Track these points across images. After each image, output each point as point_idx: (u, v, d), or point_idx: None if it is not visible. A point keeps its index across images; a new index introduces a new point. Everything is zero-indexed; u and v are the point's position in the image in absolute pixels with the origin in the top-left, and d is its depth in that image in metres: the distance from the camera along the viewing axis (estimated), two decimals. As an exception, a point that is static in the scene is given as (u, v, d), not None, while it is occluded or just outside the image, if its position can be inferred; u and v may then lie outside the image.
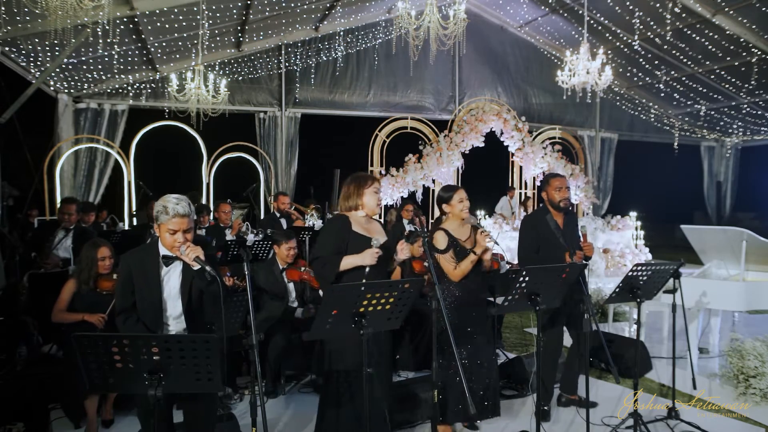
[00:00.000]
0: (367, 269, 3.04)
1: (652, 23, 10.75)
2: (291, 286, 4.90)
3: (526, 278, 3.06)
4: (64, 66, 8.93)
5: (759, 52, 10.58)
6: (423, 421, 3.98)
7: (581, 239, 4.01)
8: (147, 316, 2.73)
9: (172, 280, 2.77)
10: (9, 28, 7.01)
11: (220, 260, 5.59)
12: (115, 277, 4.04)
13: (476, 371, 3.64)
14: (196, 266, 2.64)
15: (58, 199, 8.84)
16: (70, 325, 3.94)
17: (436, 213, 11.42)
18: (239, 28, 9.91)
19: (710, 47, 10.88)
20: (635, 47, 11.76)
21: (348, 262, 3.10)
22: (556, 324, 4.17)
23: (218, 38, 10.07)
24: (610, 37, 11.82)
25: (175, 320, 2.79)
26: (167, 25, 8.66)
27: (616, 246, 10.58)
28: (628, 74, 13.32)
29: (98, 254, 4.02)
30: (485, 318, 3.81)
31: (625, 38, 11.69)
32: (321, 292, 4.79)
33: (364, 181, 3.31)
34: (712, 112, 13.96)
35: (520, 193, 12.36)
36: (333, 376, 3.16)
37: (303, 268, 4.87)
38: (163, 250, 2.74)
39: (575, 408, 4.24)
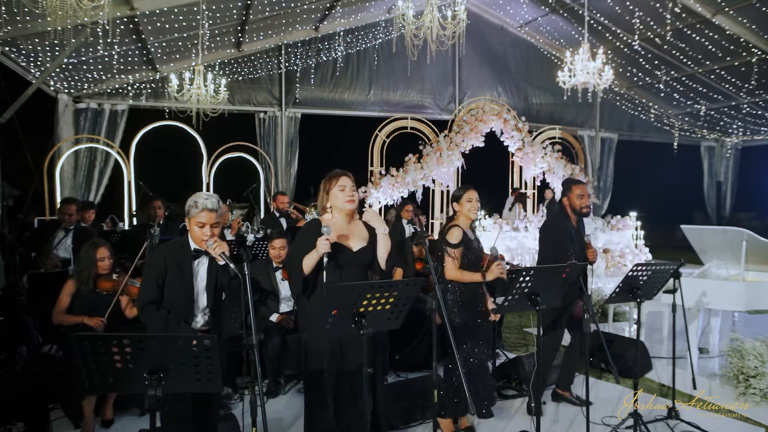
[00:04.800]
0: (325, 260, 2.89)
1: (652, 23, 10.75)
2: (286, 284, 4.90)
3: (526, 278, 3.08)
4: (64, 66, 8.92)
5: (759, 52, 10.58)
6: (422, 421, 3.98)
7: (586, 245, 4.17)
8: (179, 307, 2.86)
9: (200, 273, 2.92)
10: (9, 28, 7.01)
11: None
12: (115, 277, 4.04)
13: (470, 373, 3.61)
14: (222, 261, 2.77)
15: (58, 199, 8.84)
16: (70, 326, 3.94)
17: (437, 213, 11.48)
18: (239, 28, 9.90)
19: (710, 47, 10.87)
20: (635, 47, 11.76)
21: (308, 261, 2.97)
22: (558, 326, 4.20)
23: (218, 38, 10.06)
24: (610, 37, 11.82)
25: (201, 312, 2.94)
26: (167, 25, 8.65)
27: (616, 246, 10.59)
28: (628, 74, 13.32)
29: (97, 254, 4.01)
30: (485, 322, 3.79)
31: (625, 38, 11.69)
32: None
33: (329, 180, 3.15)
34: (712, 112, 13.96)
35: (520, 194, 12.35)
36: (311, 377, 3.15)
37: None
38: (192, 244, 2.90)
39: (575, 407, 4.24)
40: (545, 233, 4.34)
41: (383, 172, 11.01)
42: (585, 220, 11.04)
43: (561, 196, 4.37)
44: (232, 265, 2.71)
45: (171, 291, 2.85)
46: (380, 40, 11.97)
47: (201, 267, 2.93)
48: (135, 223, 9.25)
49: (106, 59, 9.21)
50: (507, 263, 6.76)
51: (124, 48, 9.03)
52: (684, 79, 12.57)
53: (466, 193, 3.76)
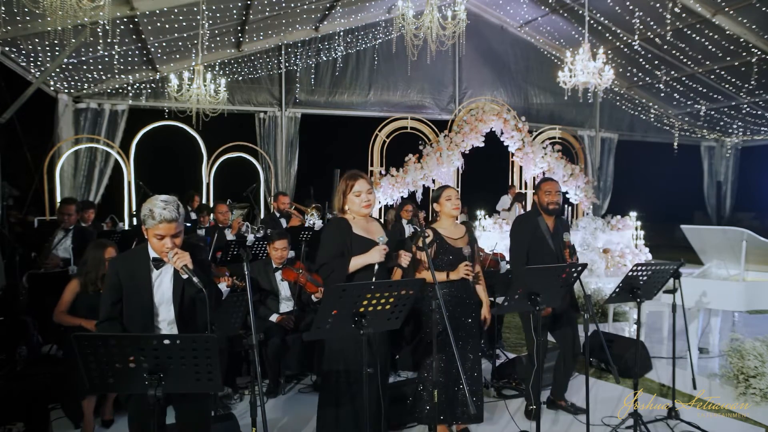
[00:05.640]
0: (376, 267, 3.00)
1: (652, 23, 10.75)
2: (285, 285, 4.91)
3: (526, 278, 3.08)
4: (64, 66, 8.93)
5: (759, 52, 10.58)
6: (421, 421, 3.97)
7: (565, 250, 3.97)
8: (136, 322, 2.61)
9: (164, 283, 2.66)
10: (9, 28, 7.02)
11: (220, 260, 5.59)
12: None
13: (456, 376, 3.53)
14: (184, 275, 2.55)
15: (58, 199, 8.84)
16: (70, 326, 3.94)
17: (437, 213, 11.46)
18: (239, 28, 9.91)
19: (710, 47, 10.88)
20: (635, 47, 11.76)
21: (357, 262, 3.05)
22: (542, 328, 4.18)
23: (218, 38, 10.07)
24: (610, 37, 11.82)
25: (168, 325, 2.68)
26: (167, 25, 8.66)
27: (616, 246, 10.58)
28: (628, 74, 13.32)
29: (105, 254, 4.01)
30: (472, 324, 3.73)
31: (625, 38, 11.69)
32: (314, 297, 4.81)
33: (345, 182, 3.19)
34: (712, 112, 13.96)
35: (519, 193, 12.33)
36: (329, 376, 3.16)
37: (300, 270, 4.87)
38: (152, 253, 2.63)
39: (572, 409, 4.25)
40: (512, 229, 4.29)
41: (383, 172, 11.01)
42: (585, 220, 11.01)
43: (535, 195, 4.32)
44: (195, 279, 2.48)
45: (127, 304, 2.61)
46: (380, 40, 11.97)
47: (164, 276, 2.65)
48: (135, 223, 9.25)
49: (106, 59, 9.22)
50: (507, 263, 6.76)
51: (124, 48, 9.04)
52: (684, 79, 12.57)
53: (444, 191, 3.76)
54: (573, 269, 3.22)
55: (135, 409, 2.64)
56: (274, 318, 4.72)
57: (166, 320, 2.68)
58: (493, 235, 9.49)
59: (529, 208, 12.11)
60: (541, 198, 4.11)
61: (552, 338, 4.31)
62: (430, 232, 3.71)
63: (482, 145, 11.26)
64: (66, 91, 9.91)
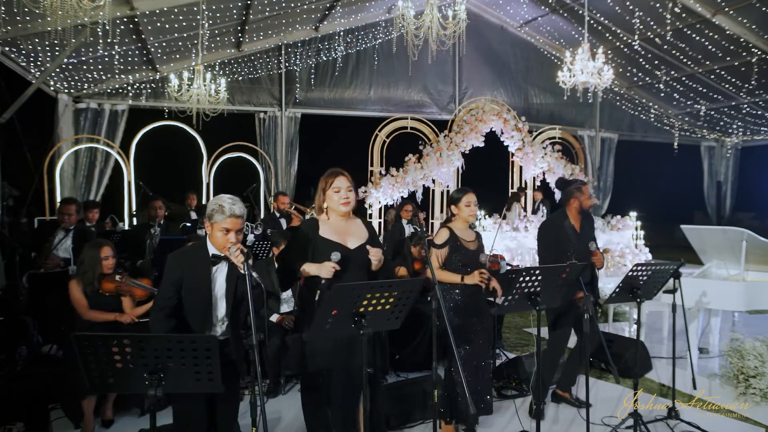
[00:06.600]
0: (323, 281, 2.91)
1: (652, 23, 10.75)
2: None
3: (526, 279, 3.08)
4: (64, 66, 8.92)
5: (759, 52, 10.58)
6: (423, 421, 3.98)
7: (592, 252, 4.16)
8: (196, 316, 2.72)
9: (219, 280, 2.77)
10: (9, 28, 7.01)
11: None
12: (117, 278, 4.02)
13: (472, 373, 3.66)
14: (243, 270, 2.61)
15: (58, 199, 8.83)
16: (71, 326, 3.92)
17: (437, 213, 11.48)
18: (239, 28, 9.90)
19: (710, 47, 10.87)
20: (635, 47, 11.76)
21: (307, 269, 3.00)
22: (564, 325, 4.21)
23: (218, 38, 10.06)
24: (610, 37, 11.82)
25: (221, 320, 2.78)
26: (167, 25, 8.65)
27: (616, 246, 10.58)
28: (628, 74, 13.32)
29: (101, 254, 3.98)
30: (485, 322, 3.81)
31: (625, 38, 11.69)
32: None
33: (325, 179, 3.12)
34: (712, 112, 13.96)
35: (515, 193, 12.32)
36: (307, 376, 3.17)
37: None
38: (212, 249, 2.73)
39: (575, 408, 4.24)
40: (543, 232, 4.34)
41: (383, 172, 11.00)
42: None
43: (567, 198, 4.28)
44: (255, 275, 2.55)
45: (188, 299, 2.70)
46: (380, 40, 11.96)
47: (219, 274, 2.76)
48: (135, 223, 9.25)
49: (106, 59, 9.21)
50: (507, 264, 6.77)
51: (124, 48, 9.03)
52: (684, 79, 12.57)
53: (465, 196, 3.77)
54: (574, 269, 3.23)
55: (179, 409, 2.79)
56: (274, 318, 4.72)
57: (219, 316, 2.78)
58: (493, 236, 9.49)
59: (529, 206, 12.14)
60: (584, 202, 4.24)
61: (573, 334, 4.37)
62: (448, 231, 3.73)
63: (482, 145, 11.25)
64: (66, 91, 9.90)
